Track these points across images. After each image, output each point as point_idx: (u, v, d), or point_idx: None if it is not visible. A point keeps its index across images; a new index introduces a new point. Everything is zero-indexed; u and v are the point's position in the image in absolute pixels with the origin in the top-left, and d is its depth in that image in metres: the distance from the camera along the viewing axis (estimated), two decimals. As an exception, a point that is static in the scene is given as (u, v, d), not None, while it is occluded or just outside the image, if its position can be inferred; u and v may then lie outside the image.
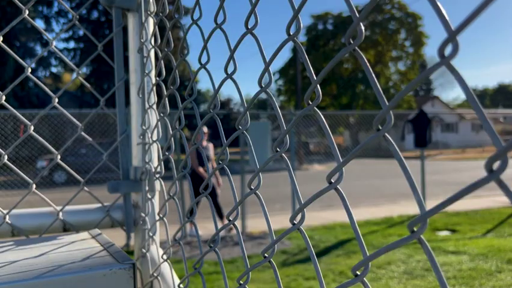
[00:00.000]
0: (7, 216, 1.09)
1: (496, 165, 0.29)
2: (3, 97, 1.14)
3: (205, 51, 0.78)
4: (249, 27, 0.63)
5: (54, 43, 1.23)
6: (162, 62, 0.99)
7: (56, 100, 1.23)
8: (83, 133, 1.28)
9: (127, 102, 1.27)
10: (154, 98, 1.16)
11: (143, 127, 1.19)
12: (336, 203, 8.95)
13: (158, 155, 1.17)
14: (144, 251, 1.18)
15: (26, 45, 22.19)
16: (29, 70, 1.19)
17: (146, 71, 1.17)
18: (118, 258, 0.81)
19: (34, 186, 1.17)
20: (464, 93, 0.31)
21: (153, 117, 1.19)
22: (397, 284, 4.27)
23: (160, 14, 1.00)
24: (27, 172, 11.43)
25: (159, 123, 1.06)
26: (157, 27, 1.12)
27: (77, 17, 1.27)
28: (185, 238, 6.44)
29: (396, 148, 0.40)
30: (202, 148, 0.80)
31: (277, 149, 0.58)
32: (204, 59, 0.79)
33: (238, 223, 0.71)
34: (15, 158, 10.95)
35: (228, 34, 0.73)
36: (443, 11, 0.33)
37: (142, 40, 1.18)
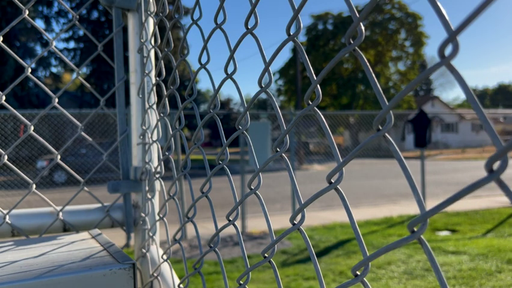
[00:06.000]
0: (7, 216, 1.09)
1: (496, 165, 0.29)
2: (3, 97, 1.14)
3: (205, 51, 0.78)
4: (249, 27, 0.63)
5: (54, 43, 1.23)
6: (162, 62, 0.99)
7: (56, 100, 1.23)
8: (83, 133, 1.28)
9: (127, 102, 1.27)
10: (154, 98, 1.16)
11: (143, 127, 1.19)
12: (336, 203, 8.95)
13: (158, 155, 1.17)
14: (144, 251, 1.18)
15: (26, 45, 22.19)
16: (29, 70, 1.19)
17: (146, 71, 1.17)
18: (118, 258, 0.81)
19: (34, 186, 1.17)
20: (464, 93, 0.31)
21: (153, 117, 1.20)
22: (397, 284, 4.27)
23: (160, 14, 1.00)
24: (27, 172, 11.43)
25: (159, 123, 1.06)
26: (157, 27, 1.12)
27: (77, 17, 1.27)
28: (185, 239, 6.44)
29: (396, 148, 0.40)
30: None
31: (277, 149, 0.58)
32: (204, 59, 0.79)
33: (238, 223, 0.71)
34: (15, 158, 10.95)
35: (228, 34, 0.73)
36: (443, 11, 0.33)
37: (142, 40, 1.18)
